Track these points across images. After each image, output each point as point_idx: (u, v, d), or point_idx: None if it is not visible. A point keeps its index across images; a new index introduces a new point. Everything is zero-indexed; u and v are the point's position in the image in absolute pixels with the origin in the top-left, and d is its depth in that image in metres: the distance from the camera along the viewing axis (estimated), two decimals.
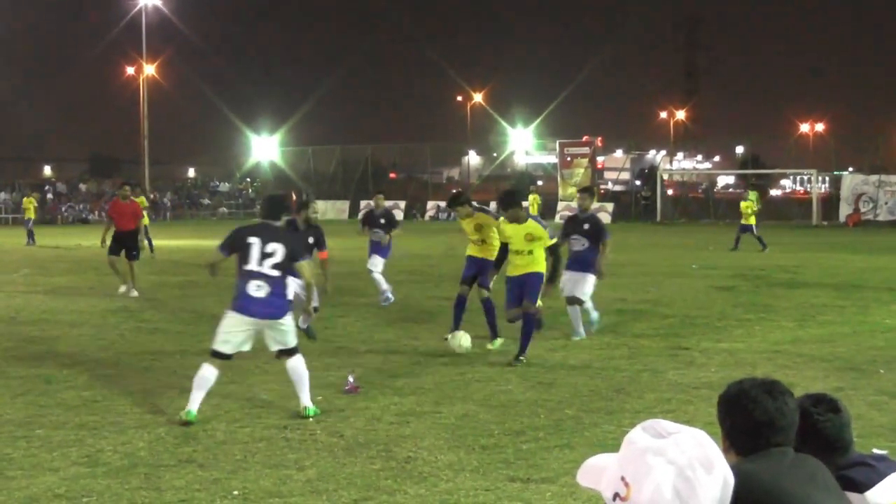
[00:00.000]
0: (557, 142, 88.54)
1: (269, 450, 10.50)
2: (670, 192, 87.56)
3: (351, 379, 13.33)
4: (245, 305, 11.84)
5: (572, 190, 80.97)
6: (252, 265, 11.90)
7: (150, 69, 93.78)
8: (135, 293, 24.67)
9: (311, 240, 17.23)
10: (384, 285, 22.69)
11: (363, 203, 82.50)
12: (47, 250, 38.20)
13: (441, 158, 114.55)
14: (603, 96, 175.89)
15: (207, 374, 11.79)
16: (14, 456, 10.24)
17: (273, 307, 11.90)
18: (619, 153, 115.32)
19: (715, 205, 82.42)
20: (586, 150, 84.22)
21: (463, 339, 16.02)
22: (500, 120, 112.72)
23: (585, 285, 17.97)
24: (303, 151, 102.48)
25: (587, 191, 19.41)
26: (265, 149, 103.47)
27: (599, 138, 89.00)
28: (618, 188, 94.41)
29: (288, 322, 12.12)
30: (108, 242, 25.86)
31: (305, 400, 12.09)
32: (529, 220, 15.91)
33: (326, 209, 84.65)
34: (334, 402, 12.66)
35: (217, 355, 11.92)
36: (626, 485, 2.37)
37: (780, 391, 4.43)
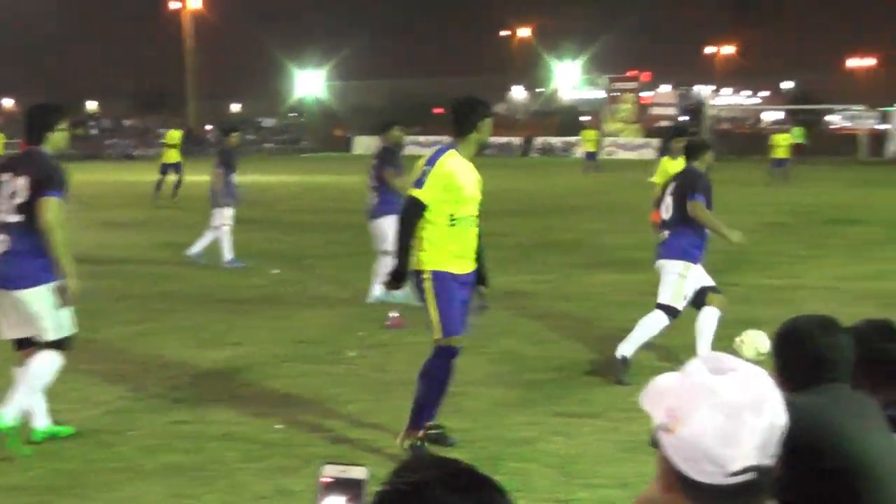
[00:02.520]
0: (606, 77, 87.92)
1: (313, 385, 10.54)
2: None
3: (394, 314, 13.32)
4: None
5: (618, 125, 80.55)
6: None
7: (194, 3, 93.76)
8: None
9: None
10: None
11: (408, 138, 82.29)
12: (94, 186, 38.36)
13: (487, 93, 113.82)
14: (651, 30, 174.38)
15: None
16: (60, 390, 10.31)
17: (6, 270, 8.39)
18: (666, 88, 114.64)
19: (763, 140, 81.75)
20: (633, 84, 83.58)
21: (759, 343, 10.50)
22: (546, 54, 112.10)
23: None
24: (349, 86, 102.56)
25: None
26: (310, 84, 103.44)
27: (646, 73, 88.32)
28: (664, 123, 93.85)
29: (34, 299, 8.32)
30: None
31: (7, 413, 8.35)
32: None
33: (371, 145, 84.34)
34: (378, 337, 12.71)
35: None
36: (674, 417, 2.37)
37: (835, 327, 4.42)
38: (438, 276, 8.39)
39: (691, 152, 11.91)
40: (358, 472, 2.07)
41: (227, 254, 19.04)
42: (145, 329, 13.29)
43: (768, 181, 41.79)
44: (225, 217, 19.10)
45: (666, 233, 11.54)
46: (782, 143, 43.44)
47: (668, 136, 16.71)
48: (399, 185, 14.42)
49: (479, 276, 8.71)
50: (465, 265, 8.50)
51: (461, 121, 8.60)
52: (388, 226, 14.27)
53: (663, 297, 11.34)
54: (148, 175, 35.62)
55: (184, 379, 10.77)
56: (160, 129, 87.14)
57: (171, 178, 33.13)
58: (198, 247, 19.25)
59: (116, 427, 9.10)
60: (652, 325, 11.24)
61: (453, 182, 8.36)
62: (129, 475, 7.87)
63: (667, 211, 11.53)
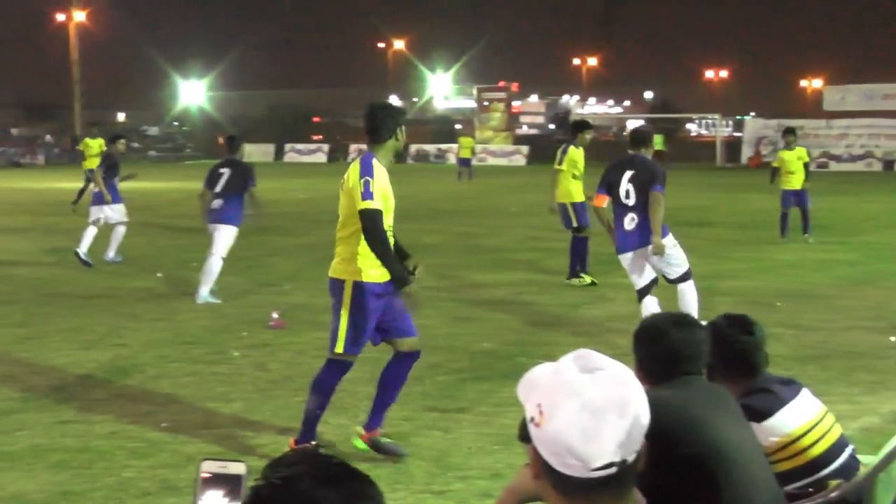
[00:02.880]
0: (475, 87, 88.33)
1: (197, 384, 10.46)
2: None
3: (276, 315, 13.30)
4: None
5: (489, 133, 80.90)
6: None
7: (80, 16, 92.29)
8: None
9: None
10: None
11: (288, 146, 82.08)
12: None
13: (363, 103, 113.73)
14: (520, 42, 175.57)
15: None
16: None
17: None
18: (534, 98, 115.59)
19: (626, 147, 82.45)
20: (503, 94, 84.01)
21: None
22: (420, 66, 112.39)
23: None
24: (230, 96, 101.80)
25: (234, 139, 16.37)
26: (193, 93, 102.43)
27: (515, 83, 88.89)
28: (533, 132, 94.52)
29: None
30: None
31: None
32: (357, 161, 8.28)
33: (252, 152, 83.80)
34: (260, 337, 12.64)
35: None
36: (541, 413, 2.38)
37: (689, 323, 4.51)
38: (363, 288, 7.98)
39: (640, 141, 12.34)
40: (237, 468, 2.06)
41: (111, 251, 19.76)
42: (31, 332, 13.07)
43: None
44: (121, 214, 19.73)
45: (635, 219, 11.77)
46: None
47: (576, 130, 17.47)
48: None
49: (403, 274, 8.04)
50: (385, 275, 8.01)
51: (379, 127, 8.22)
52: (229, 234, 15.27)
53: (679, 270, 11.93)
54: (35, 182, 35.04)
55: (70, 379, 10.62)
56: (48, 137, 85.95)
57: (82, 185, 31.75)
58: (111, 251, 19.70)
59: (4, 427, 8.95)
60: (693, 293, 11.95)
61: (385, 192, 8.05)
62: (18, 474, 7.75)
63: (628, 197, 11.79)
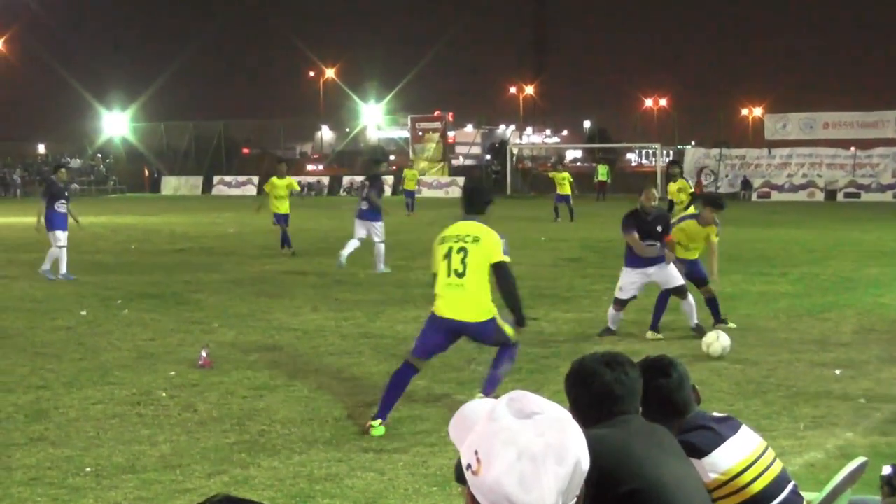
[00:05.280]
0: (409, 117, 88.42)
1: (122, 426, 10.38)
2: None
3: (204, 353, 13.23)
4: None
5: (424, 164, 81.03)
6: None
7: None
8: None
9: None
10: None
11: (216, 178, 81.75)
12: None
13: (294, 133, 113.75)
14: (454, 71, 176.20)
15: None
16: None
17: None
18: (469, 128, 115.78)
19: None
20: (437, 124, 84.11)
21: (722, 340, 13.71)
22: (352, 95, 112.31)
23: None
24: (155, 127, 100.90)
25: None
26: (116, 124, 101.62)
27: (450, 113, 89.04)
28: (469, 162, 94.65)
29: None
30: None
31: None
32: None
33: (179, 185, 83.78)
34: (188, 377, 12.57)
35: None
36: (478, 460, 2.36)
37: (619, 362, 4.54)
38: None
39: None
40: None
41: (62, 268, 22.60)
42: None
43: (555, 217, 42.76)
44: (59, 239, 22.59)
45: None
46: (563, 181, 44.73)
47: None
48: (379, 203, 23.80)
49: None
50: None
51: (488, 202, 11.37)
52: (380, 226, 23.72)
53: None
54: None
55: None
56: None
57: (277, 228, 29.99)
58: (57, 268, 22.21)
59: None
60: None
61: None
62: None
63: None
